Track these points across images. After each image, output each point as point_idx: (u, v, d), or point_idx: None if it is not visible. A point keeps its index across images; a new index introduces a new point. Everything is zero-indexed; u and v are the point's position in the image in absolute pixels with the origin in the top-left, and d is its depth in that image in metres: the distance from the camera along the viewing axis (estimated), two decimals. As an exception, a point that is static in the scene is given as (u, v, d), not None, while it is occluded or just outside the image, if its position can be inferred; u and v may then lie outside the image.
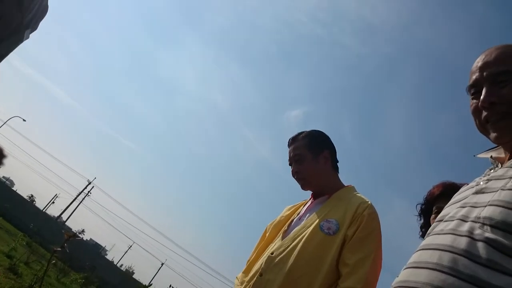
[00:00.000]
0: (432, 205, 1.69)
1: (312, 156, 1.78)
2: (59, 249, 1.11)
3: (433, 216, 1.66)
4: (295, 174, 1.81)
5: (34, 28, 1.33)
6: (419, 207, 1.78)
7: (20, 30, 1.22)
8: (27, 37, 1.29)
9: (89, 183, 45.81)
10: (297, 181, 1.82)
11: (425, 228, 1.74)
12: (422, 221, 1.77)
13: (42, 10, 1.33)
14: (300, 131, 1.89)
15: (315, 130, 1.87)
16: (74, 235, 1.12)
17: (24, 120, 35.77)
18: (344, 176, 1.86)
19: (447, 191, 1.64)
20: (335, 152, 1.87)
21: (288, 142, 1.87)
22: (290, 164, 1.84)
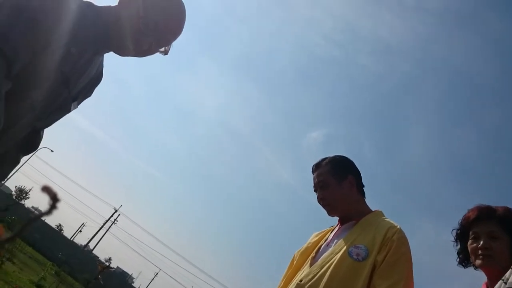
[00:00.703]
0: (468, 230, 1.62)
1: (336, 182, 1.77)
2: (94, 280, 1.14)
3: (470, 241, 1.59)
4: (320, 200, 1.81)
5: (88, 95, 1.46)
6: (454, 232, 1.71)
7: (67, 103, 1.35)
8: (75, 108, 1.41)
9: (115, 211, 46.36)
10: (323, 208, 1.81)
11: (462, 254, 1.68)
12: (458, 246, 1.70)
13: (96, 79, 1.45)
14: (321, 154, 1.90)
15: (338, 156, 1.88)
16: (108, 266, 1.15)
17: (51, 151, 36.82)
18: (369, 198, 1.85)
19: (482, 215, 1.59)
20: (360, 176, 1.86)
21: (312, 168, 1.87)
22: (315, 191, 1.84)
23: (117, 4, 1.34)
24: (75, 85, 1.33)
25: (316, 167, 1.85)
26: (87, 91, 1.46)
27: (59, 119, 1.39)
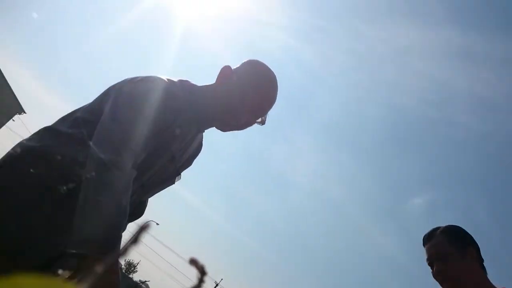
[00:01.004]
0: None
1: (457, 253, 1.56)
2: None
3: None
4: (439, 274, 1.58)
5: (188, 166, 1.60)
6: None
7: (172, 177, 1.50)
8: (179, 179, 1.54)
9: (216, 285, 46.44)
10: (441, 284, 1.59)
11: None
12: None
13: (196, 150, 1.59)
14: (427, 223, 1.76)
15: (453, 225, 1.68)
16: None
17: (157, 224, 38.88)
18: (490, 275, 1.60)
19: None
20: (479, 248, 1.64)
21: (424, 239, 1.69)
22: (429, 264, 1.63)
23: (214, 82, 1.45)
24: (179, 161, 1.45)
25: (429, 237, 1.66)
26: (188, 163, 1.57)
27: (162, 190, 1.52)
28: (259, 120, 1.45)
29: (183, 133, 1.37)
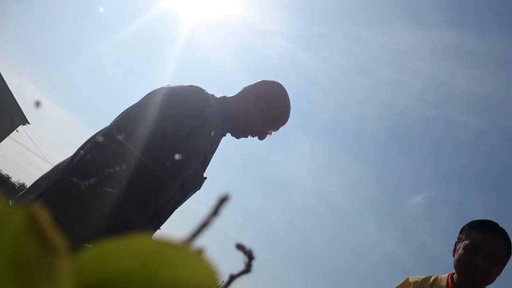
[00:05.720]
0: None
1: (503, 266, 1.58)
2: None
3: None
4: (478, 267, 1.53)
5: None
6: None
7: (201, 181, 1.51)
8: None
9: None
10: (470, 273, 1.55)
11: None
12: None
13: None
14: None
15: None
16: None
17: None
18: None
19: None
20: None
21: (494, 229, 1.59)
22: (473, 249, 1.56)
23: (235, 95, 1.55)
24: (208, 163, 1.48)
25: (502, 236, 1.59)
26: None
27: (192, 195, 1.53)
28: (269, 132, 1.55)
29: (215, 135, 1.42)
